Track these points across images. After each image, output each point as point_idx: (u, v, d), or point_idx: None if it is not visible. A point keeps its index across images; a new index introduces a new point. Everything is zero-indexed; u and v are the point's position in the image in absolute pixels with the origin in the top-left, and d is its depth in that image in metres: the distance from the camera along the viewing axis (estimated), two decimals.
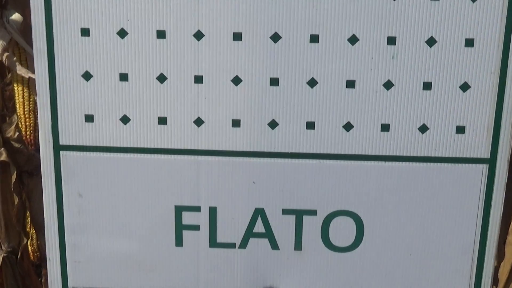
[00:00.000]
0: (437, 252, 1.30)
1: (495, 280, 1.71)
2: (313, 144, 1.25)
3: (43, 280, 1.91)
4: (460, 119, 1.22)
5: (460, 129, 1.23)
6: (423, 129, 1.23)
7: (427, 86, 1.20)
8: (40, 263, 1.90)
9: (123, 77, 1.22)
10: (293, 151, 1.25)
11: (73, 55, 1.21)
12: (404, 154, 1.24)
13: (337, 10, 1.17)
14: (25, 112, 1.60)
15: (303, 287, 1.33)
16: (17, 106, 1.61)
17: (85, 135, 1.26)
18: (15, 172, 1.75)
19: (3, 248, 1.80)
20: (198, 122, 1.24)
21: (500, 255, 1.70)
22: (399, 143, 1.24)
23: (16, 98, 1.61)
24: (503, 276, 1.70)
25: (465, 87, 1.20)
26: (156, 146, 1.26)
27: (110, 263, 1.34)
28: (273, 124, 1.24)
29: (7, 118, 1.75)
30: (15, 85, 1.60)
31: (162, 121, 1.24)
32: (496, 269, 1.72)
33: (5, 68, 1.68)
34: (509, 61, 1.18)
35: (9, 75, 1.67)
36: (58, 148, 1.27)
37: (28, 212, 1.81)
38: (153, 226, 1.31)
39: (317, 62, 1.20)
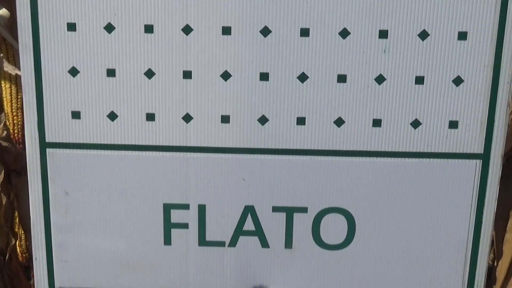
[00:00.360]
0: (430, 249, 1.29)
1: (493, 279, 1.70)
2: (303, 140, 1.23)
3: (32, 281, 1.89)
4: (453, 113, 1.21)
5: (453, 124, 1.21)
6: (416, 124, 1.21)
7: (419, 80, 1.19)
8: (29, 265, 1.88)
9: (111, 72, 1.20)
10: (284, 147, 1.24)
11: (60, 51, 1.20)
12: (396, 150, 1.23)
13: (328, 3, 1.15)
14: (13, 110, 1.59)
15: (293, 286, 1.32)
16: (5, 104, 1.59)
17: (72, 132, 1.24)
18: (3, 171, 1.74)
19: None
20: (187, 118, 1.22)
21: (498, 253, 1.69)
22: (391, 139, 1.22)
23: (4, 96, 1.59)
24: (501, 274, 1.69)
25: (458, 81, 1.19)
26: (144, 143, 1.24)
27: (98, 263, 1.32)
28: (263, 120, 1.22)
29: None
30: (3, 82, 1.59)
31: (150, 117, 1.23)
32: (495, 268, 1.70)
33: None
34: (502, 54, 1.17)
35: None
36: (44, 145, 1.25)
37: (16, 212, 1.80)
38: (141, 225, 1.29)
39: (307, 57, 1.18)
